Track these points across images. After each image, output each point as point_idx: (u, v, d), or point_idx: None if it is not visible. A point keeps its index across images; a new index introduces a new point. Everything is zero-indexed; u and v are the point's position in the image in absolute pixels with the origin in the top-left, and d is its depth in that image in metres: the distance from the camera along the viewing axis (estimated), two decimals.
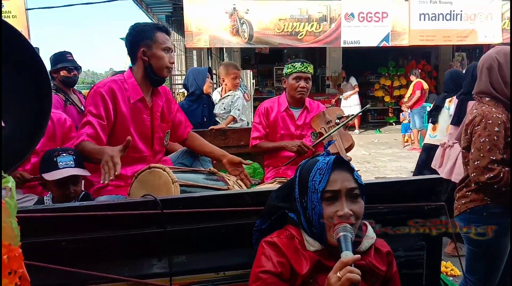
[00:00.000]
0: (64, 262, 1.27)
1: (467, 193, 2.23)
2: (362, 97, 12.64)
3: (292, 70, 2.84)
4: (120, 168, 1.70)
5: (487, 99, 2.18)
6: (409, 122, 9.21)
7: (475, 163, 2.09)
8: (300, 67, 2.82)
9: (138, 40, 2.12)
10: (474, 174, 2.11)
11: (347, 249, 1.11)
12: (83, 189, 2.28)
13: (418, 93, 8.88)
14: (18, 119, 1.68)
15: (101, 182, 1.71)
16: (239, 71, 4.28)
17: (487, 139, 2.06)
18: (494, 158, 2.04)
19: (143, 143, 2.17)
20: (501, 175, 2.04)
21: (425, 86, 9.04)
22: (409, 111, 9.16)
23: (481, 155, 2.07)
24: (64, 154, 2.01)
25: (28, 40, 1.93)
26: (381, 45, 9.28)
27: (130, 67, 2.22)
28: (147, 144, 2.20)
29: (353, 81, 10.80)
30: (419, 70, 9.89)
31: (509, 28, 9.00)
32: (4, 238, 0.64)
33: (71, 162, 1.99)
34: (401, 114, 9.65)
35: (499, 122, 2.06)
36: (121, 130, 2.11)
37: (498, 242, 2.15)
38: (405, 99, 9.24)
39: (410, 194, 1.56)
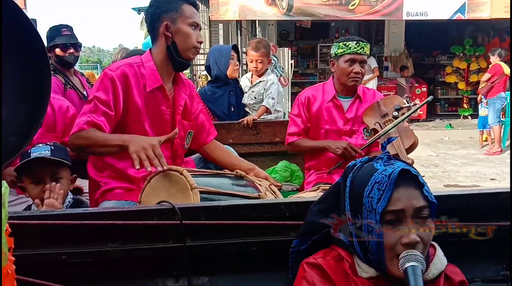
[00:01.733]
0: (64, 280, 1.31)
1: None
2: (429, 82, 12.42)
3: (344, 51, 2.78)
4: (165, 162, 1.76)
5: None
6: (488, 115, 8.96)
7: None
8: (355, 47, 2.76)
9: (160, 12, 2.15)
10: None
11: (417, 285, 1.10)
12: (85, 192, 2.35)
13: (486, 76, 8.62)
14: (11, 108, 1.74)
15: (136, 168, 1.77)
16: (258, 53, 4.15)
17: None
18: None
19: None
20: None
21: (506, 70, 8.71)
22: (485, 101, 8.90)
23: None
24: (40, 145, 2.10)
25: (24, 10, 2.00)
26: (454, 18, 9.06)
27: (150, 49, 2.25)
28: (165, 144, 2.23)
29: (372, 62, 10.41)
30: (505, 50, 9.56)
31: None
32: None
33: (47, 152, 2.05)
34: (479, 105, 9.39)
35: None
36: (134, 124, 2.14)
37: None
38: (481, 86, 8.98)
39: (491, 210, 1.52)
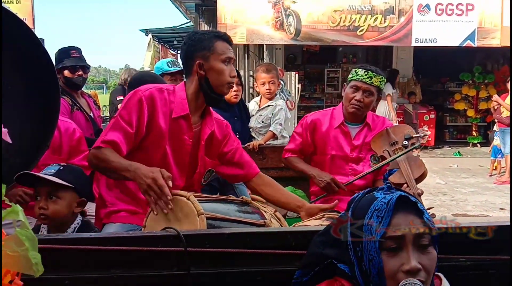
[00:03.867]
0: None
1: None
2: (437, 109, 12.43)
3: (352, 77, 2.83)
4: (169, 192, 1.78)
5: None
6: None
7: None
8: (362, 76, 2.79)
9: (194, 51, 2.19)
10: None
11: None
12: (88, 214, 2.36)
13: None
14: (18, 129, 1.75)
15: (155, 213, 1.79)
16: (270, 75, 4.19)
17: None
18: None
19: (179, 170, 2.22)
20: None
21: None
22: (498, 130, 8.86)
23: None
24: (53, 165, 2.14)
25: (33, 29, 2.01)
26: (464, 45, 9.10)
27: (185, 81, 2.30)
28: (182, 172, 2.24)
29: (388, 88, 10.42)
30: None
31: None
32: (18, 268, 0.70)
33: (53, 171, 2.08)
34: (494, 134, 9.32)
35: None
36: (155, 147, 2.17)
37: None
38: (504, 113, 8.91)
39: (503, 242, 1.51)
